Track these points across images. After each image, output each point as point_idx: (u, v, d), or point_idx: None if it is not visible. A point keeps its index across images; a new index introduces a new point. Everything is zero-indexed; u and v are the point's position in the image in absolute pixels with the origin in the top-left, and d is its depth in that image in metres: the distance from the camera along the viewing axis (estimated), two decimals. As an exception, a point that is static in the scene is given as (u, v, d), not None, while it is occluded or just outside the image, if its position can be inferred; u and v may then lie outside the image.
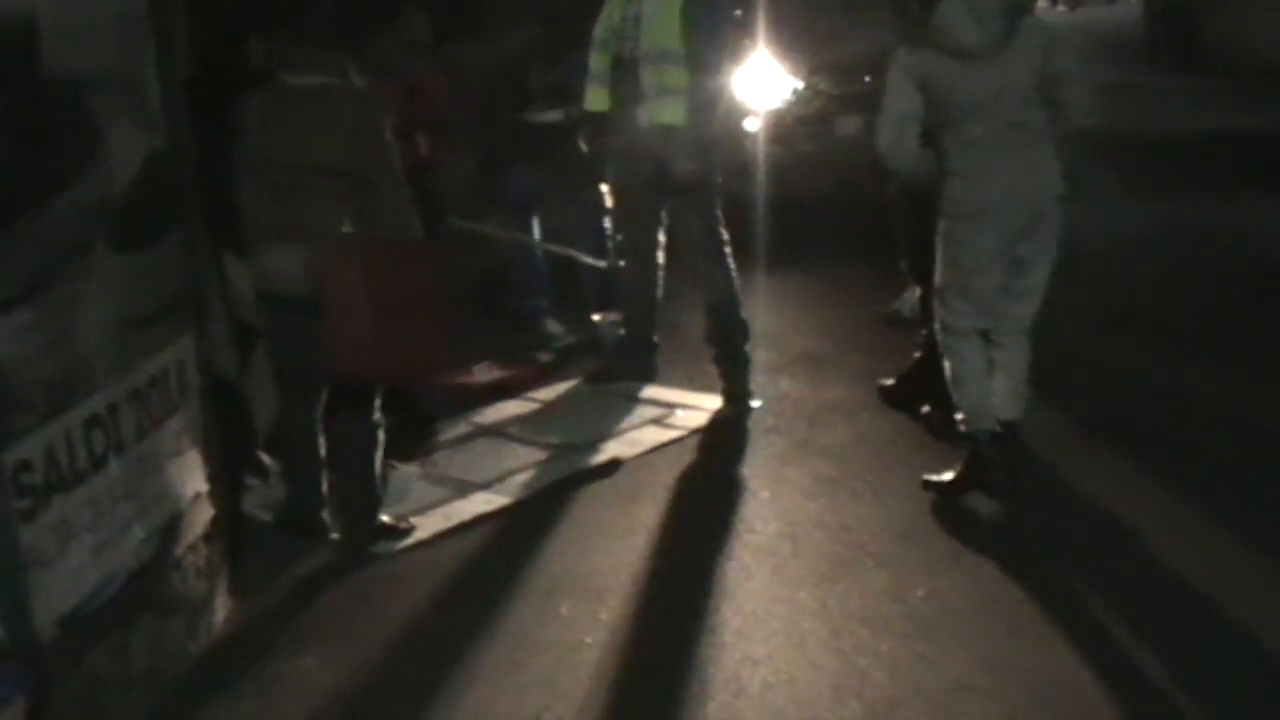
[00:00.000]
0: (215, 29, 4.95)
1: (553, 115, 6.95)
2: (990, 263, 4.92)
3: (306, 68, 4.50)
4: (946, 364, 5.10)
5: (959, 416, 5.08)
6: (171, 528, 4.01)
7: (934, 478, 5.10)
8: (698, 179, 5.89)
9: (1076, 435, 5.58)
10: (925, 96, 4.87)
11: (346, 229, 4.45)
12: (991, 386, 5.04)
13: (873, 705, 3.76)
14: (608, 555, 4.75)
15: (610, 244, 6.92)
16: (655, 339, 6.51)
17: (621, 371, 6.44)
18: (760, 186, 7.42)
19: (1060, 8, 34.38)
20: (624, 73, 5.90)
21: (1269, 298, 7.35)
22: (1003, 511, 4.88)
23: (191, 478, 4.16)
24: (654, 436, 5.80)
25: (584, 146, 6.34)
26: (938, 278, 5.06)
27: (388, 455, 4.93)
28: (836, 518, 4.92)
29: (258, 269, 4.66)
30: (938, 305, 5.09)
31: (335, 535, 4.86)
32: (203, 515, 4.22)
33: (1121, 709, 3.67)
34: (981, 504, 4.95)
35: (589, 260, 6.90)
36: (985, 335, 5.02)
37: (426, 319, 4.54)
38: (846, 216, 8.65)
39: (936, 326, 5.14)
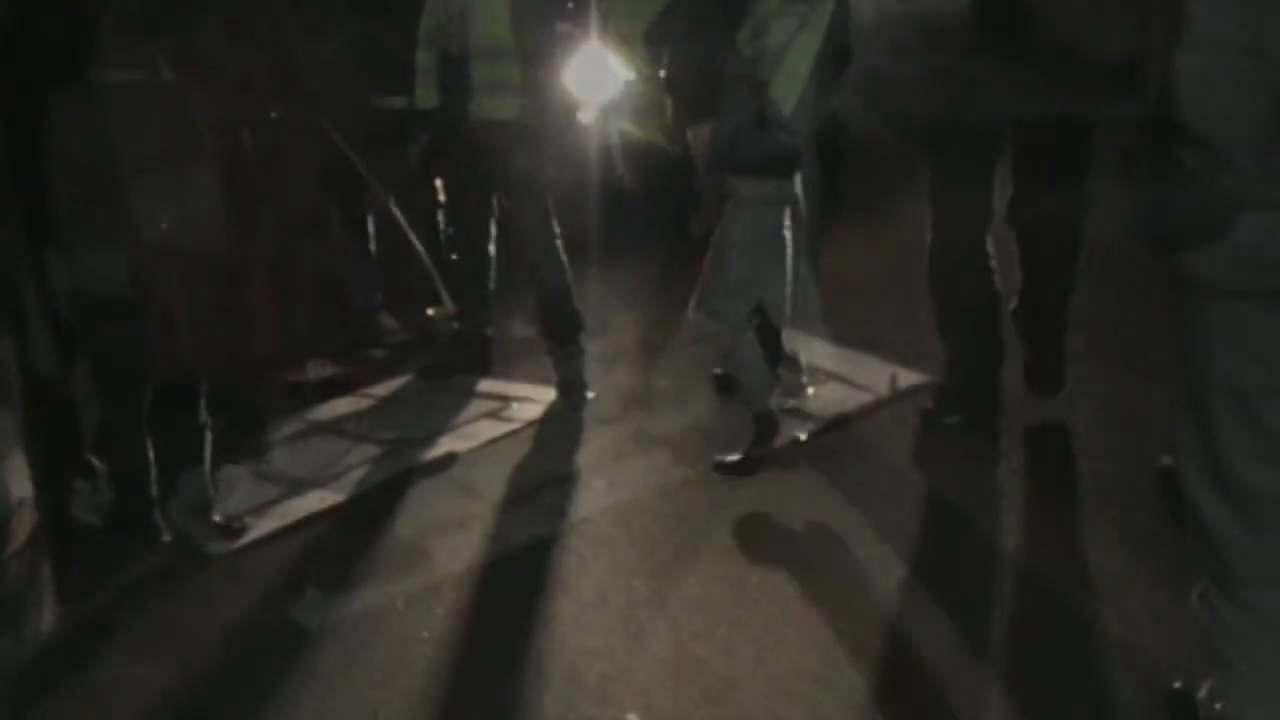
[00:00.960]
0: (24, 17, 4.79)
1: (399, 102, 6.83)
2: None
3: (117, 62, 4.40)
4: (729, 359, 5.22)
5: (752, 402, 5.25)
6: (-6, 534, 3.93)
7: (726, 459, 5.19)
8: (529, 173, 5.89)
9: (908, 424, 5.66)
10: None
11: (164, 227, 4.37)
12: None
13: (709, 692, 3.81)
14: (444, 549, 4.74)
15: (443, 238, 6.89)
16: (489, 332, 6.50)
17: (456, 365, 6.42)
18: (592, 178, 7.42)
19: (890, -1, 34.76)
20: (453, 68, 5.86)
21: (1101, 286, 7.55)
22: (835, 498, 4.95)
23: (14, 482, 4.07)
24: (489, 430, 5.79)
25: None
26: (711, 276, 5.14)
27: (219, 454, 4.87)
28: (671, 506, 4.97)
29: (76, 270, 4.55)
30: (695, 306, 5.18)
31: (167, 537, 4.78)
32: (27, 520, 4.13)
33: (958, 692, 3.75)
34: (814, 491, 5.02)
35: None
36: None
37: (252, 316, 4.49)
38: (677, 206, 8.68)
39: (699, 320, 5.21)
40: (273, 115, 5.08)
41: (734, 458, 5.19)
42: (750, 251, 5.02)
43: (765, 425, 5.23)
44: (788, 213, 5.07)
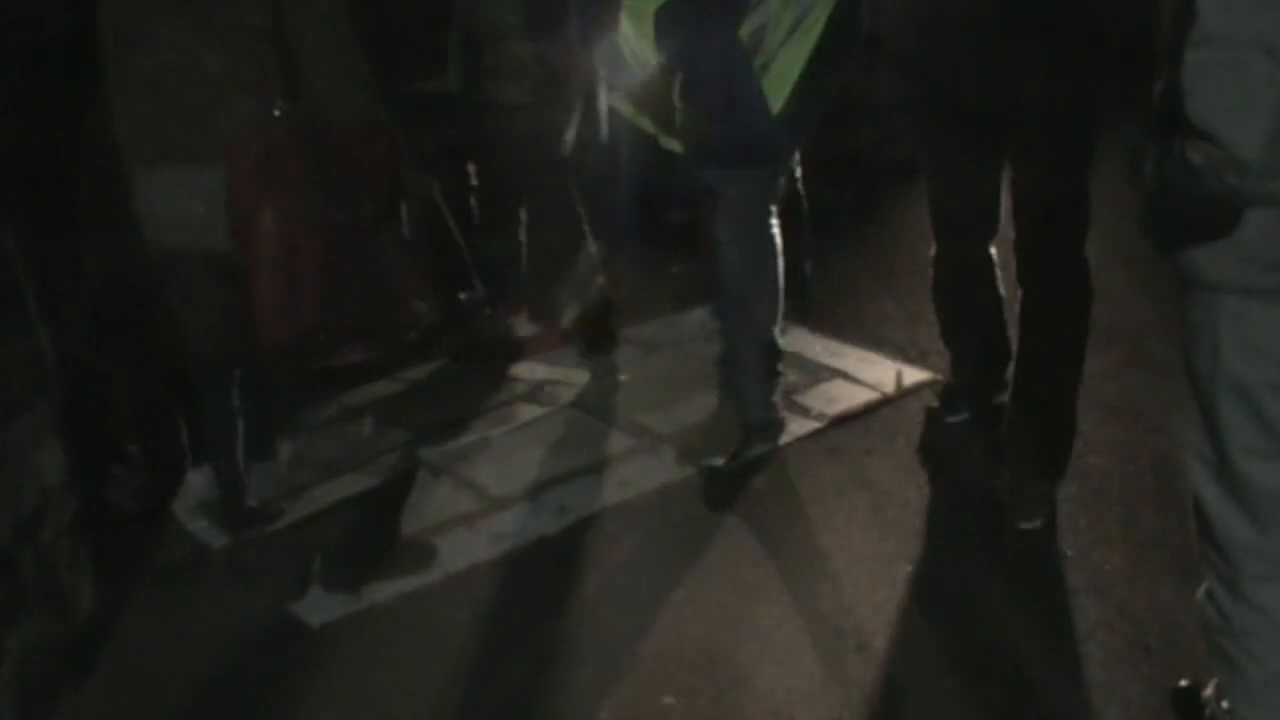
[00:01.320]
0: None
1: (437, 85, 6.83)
2: None
3: (155, 47, 4.40)
4: (724, 361, 5.23)
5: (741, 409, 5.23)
6: (33, 521, 3.98)
7: (713, 462, 5.14)
8: (546, 157, 5.90)
9: (913, 422, 5.55)
10: None
11: (194, 214, 4.38)
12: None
13: (743, 670, 3.85)
14: (475, 531, 4.77)
15: (475, 222, 6.90)
16: (520, 316, 6.52)
17: (489, 349, 6.46)
18: (617, 158, 7.42)
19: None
20: (471, 49, 5.86)
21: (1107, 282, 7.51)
22: (840, 496, 4.92)
23: (53, 469, 4.11)
24: (523, 413, 5.81)
25: None
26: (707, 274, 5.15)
27: (252, 439, 4.91)
28: (696, 496, 4.97)
29: (107, 256, 4.59)
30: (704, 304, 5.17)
31: (201, 522, 4.83)
32: (66, 507, 4.18)
33: (962, 689, 3.78)
34: (819, 488, 5.00)
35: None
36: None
37: (281, 297, 4.50)
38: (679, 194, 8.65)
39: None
40: (275, 113, 5.05)
41: (718, 462, 5.13)
42: (738, 251, 4.99)
43: (753, 433, 5.17)
44: (774, 210, 5.08)
